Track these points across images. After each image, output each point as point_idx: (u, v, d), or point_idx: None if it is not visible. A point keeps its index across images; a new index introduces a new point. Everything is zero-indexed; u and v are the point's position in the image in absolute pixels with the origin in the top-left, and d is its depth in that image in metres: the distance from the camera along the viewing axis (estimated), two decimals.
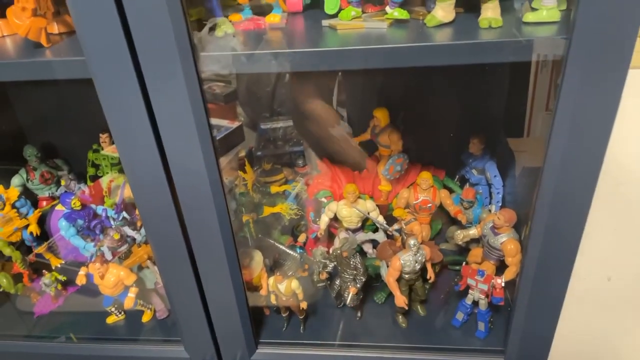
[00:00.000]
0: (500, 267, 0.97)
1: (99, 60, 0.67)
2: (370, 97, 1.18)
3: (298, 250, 1.14)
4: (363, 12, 0.76)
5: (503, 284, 0.90)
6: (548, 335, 0.85)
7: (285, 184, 1.21)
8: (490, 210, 1.07)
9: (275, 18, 0.78)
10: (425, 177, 1.04)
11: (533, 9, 0.68)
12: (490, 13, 0.67)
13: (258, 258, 1.02)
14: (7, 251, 1.08)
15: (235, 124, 1.27)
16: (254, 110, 1.30)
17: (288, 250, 1.13)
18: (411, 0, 0.78)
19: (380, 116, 1.06)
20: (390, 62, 0.65)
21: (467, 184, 1.14)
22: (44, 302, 1.13)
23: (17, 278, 1.16)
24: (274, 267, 1.06)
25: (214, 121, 1.26)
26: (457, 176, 1.18)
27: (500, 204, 1.07)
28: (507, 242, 0.92)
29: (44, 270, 1.11)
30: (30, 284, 1.16)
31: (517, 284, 0.85)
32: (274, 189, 1.19)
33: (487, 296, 0.92)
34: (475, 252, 1.02)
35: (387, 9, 0.74)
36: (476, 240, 1.07)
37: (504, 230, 0.93)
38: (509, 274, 0.91)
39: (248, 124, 1.29)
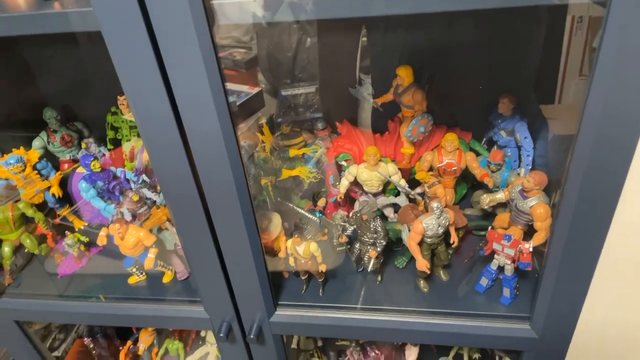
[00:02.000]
0: (528, 232, 0.93)
1: (112, 24, 0.64)
2: (393, 55, 1.13)
3: (317, 214, 1.12)
4: None
5: (531, 249, 0.86)
6: (577, 303, 0.81)
7: (304, 147, 1.18)
8: (519, 174, 1.02)
9: None
10: (450, 139, 0.99)
11: None
12: None
13: (277, 220, 1.00)
14: (30, 212, 1.09)
15: (255, 90, 1.24)
16: (274, 77, 1.26)
17: (307, 214, 1.11)
18: None
19: (404, 74, 1.01)
20: (415, 6, 0.61)
21: (495, 146, 1.08)
22: (67, 263, 1.15)
23: (42, 239, 1.17)
24: (293, 231, 1.04)
25: (234, 87, 1.24)
26: (485, 139, 1.13)
27: (530, 167, 1.02)
28: (536, 205, 0.88)
29: (66, 232, 1.12)
30: (54, 245, 1.17)
31: (547, 249, 0.80)
32: (292, 152, 1.16)
33: (513, 261, 0.88)
34: (502, 217, 0.98)
35: None
36: (503, 205, 1.02)
37: (534, 194, 0.89)
38: (538, 238, 0.87)
39: (269, 91, 1.26)
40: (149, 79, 0.69)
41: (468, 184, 1.15)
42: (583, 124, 0.64)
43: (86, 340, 1.43)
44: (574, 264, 0.77)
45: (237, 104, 1.19)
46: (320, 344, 1.37)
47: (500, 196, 0.96)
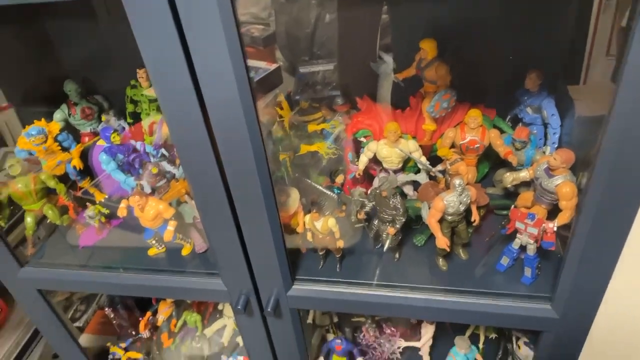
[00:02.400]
0: (552, 212, 0.91)
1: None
2: (416, 29, 1.09)
3: (335, 191, 1.11)
4: None
5: (555, 229, 0.84)
6: (600, 285, 0.80)
7: (323, 123, 1.16)
8: (544, 152, 0.99)
9: None
10: (474, 115, 0.97)
11: None
12: None
13: (295, 195, 1.00)
14: (52, 183, 1.11)
15: (274, 66, 1.22)
16: (292, 54, 1.25)
17: (325, 191, 1.10)
18: None
19: (428, 48, 0.98)
20: None
21: (520, 124, 1.05)
22: (88, 234, 1.17)
23: (63, 211, 1.19)
24: (311, 207, 1.03)
25: (252, 63, 1.22)
26: (509, 116, 1.10)
27: (556, 146, 0.99)
28: (562, 184, 0.85)
29: (87, 203, 1.14)
30: (76, 217, 1.19)
31: (572, 229, 0.78)
32: (311, 127, 1.15)
33: (536, 241, 0.86)
34: (525, 196, 0.96)
35: None
36: (526, 184, 1.00)
37: (560, 172, 0.86)
38: (562, 218, 0.85)
39: (287, 68, 1.24)
40: (170, 51, 0.68)
41: (490, 163, 1.12)
42: (617, 102, 0.62)
43: (107, 310, 1.46)
44: (599, 244, 0.75)
45: (255, 80, 1.18)
46: (335, 320, 1.38)
47: (525, 174, 0.94)
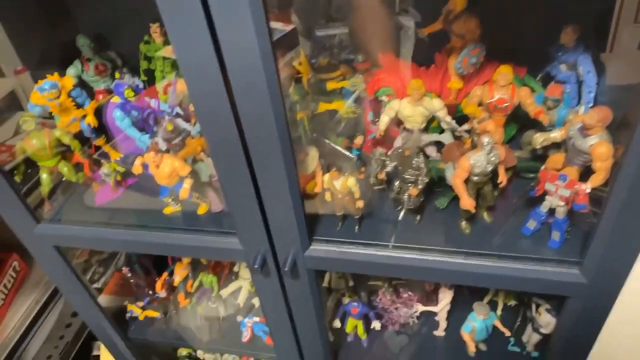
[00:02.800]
0: (584, 174, 0.86)
1: None
2: None
3: (355, 152, 1.08)
4: None
5: (588, 190, 0.79)
6: (633, 249, 0.76)
7: (343, 81, 1.12)
8: (577, 112, 0.94)
9: None
10: (504, 72, 0.91)
11: None
12: None
13: (313, 154, 0.97)
14: (66, 140, 1.09)
15: (290, 27, 1.18)
16: (308, 17, 1.20)
17: (344, 151, 1.07)
18: None
19: None
20: None
21: (552, 82, 1.00)
22: (104, 192, 1.16)
23: (79, 169, 1.18)
24: (329, 167, 1.00)
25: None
26: (540, 75, 1.04)
27: (590, 105, 0.94)
28: (597, 144, 0.81)
29: (102, 160, 1.12)
30: (91, 174, 1.18)
31: (609, 191, 0.74)
32: (330, 85, 1.11)
33: (567, 203, 0.82)
34: (555, 158, 0.91)
35: None
36: (555, 146, 0.95)
37: (595, 132, 0.81)
38: (596, 179, 0.81)
39: (302, 32, 1.20)
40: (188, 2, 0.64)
41: (518, 125, 1.07)
42: None
43: (124, 270, 1.47)
44: (636, 208, 0.71)
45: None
46: (351, 284, 1.37)
47: (556, 135, 0.89)
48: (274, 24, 1.18)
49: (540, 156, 1.00)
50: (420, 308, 1.24)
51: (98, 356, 1.87)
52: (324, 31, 1.17)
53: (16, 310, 1.77)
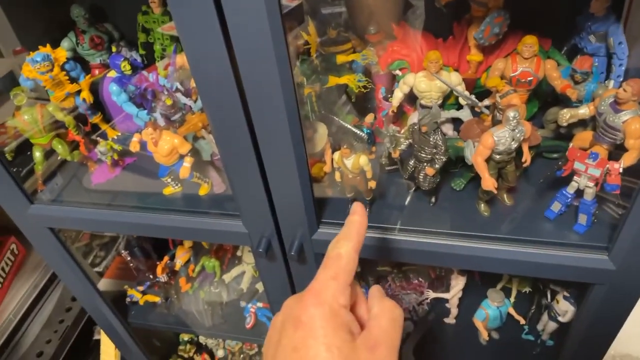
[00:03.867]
0: (614, 154, 0.80)
1: None
2: None
3: (365, 131, 1.01)
4: None
5: (621, 169, 0.73)
6: None
7: (353, 54, 1.05)
8: (607, 87, 0.87)
9: None
10: (529, 42, 0.84)
11: None
12: None
13: (322, 130, 0.91)
14: (60, 116, 1.03)
15: (295, 2, 1.11)
16: None
17: (354, 129, 1.01)
18: None
19: None
20: None
21: (579, 55, 0.93)
22: (101, 171, 1.11)
23: (74, 147, 1.12)
24: (340, 144, 0.94)
25: None
26: (565, 48, 0.97)
27: (621, 79, 0.87)
28: (631, 120, 0.74)
29: (98, 138, 1.06)
30: (87, 154, 1.12)
31: None
32: (340, 58, 1.04)
33: (596, 184, 0.76)
34: (583, 136, 0.85)
35: None
36: (582, 124, 0.89)
37: (630, 107, 0.75)
38: (629, 158, 0.74)
39: (307, 11, 1.12)
40: None
41: (540, 102, 1.01)
42: None
43: (124, 253, 1.43)
44: None
45: None
46: (358, 269, 1.33)
47: (584, 111, 0.82)
48: None
49: (564, 135, 0.93)
50: (432, 295, 1.19)
51: (99, 340, 1.84)
52: (329, 9, 1.10)
53: (15, 293, 1.74)
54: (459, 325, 1.25)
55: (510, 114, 0.74)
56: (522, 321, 1.15)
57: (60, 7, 1.17)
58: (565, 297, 1.06)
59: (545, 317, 1.14)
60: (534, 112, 1.01)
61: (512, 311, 1.14)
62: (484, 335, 1.16)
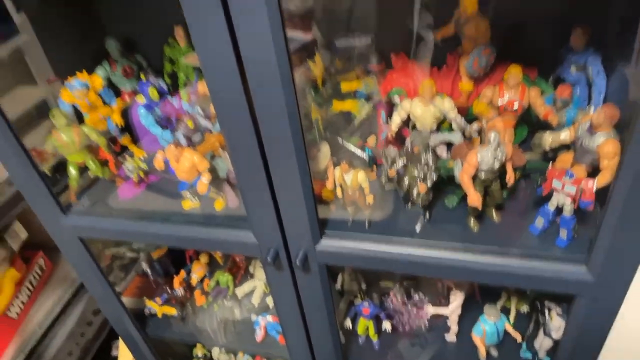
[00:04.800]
0: (592, 174, 0.87)
1: None
2: None
3: (367, 152, 1.11)
4: None
5: (595, 188, 0.80)
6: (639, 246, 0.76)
7: (355, 81, 1.16)
8: (587, 113, 0.94)
9: None
10: (514, 72, 0.93)
11: None
12: None
13: (325, 150, 1.00)
14: (94, 136, 1.15)
15: (309, 36, 1.22)
16: (329, 29, 1.24)
17: (355, 150, 1.10)
18: None
19: (467, 3, 0.95)
20: None
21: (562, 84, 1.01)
22: (127, 187, 1.21)
23: (104, 164, 1.24)
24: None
25: (289, 33, 1.22)
26: (551, 78, 1.06)
27: (600, 107, 0.94)
28: (605, 143, 0.81)
29: (126, 155, 1.18)
30: (117, 172, 1.24)
31: (612, 186, 0.75)
32: (345, 86, 1.14)
33: (573, 201, 0.83)
34: (564, 158, 0.92)
35: None
36: (566, 148, 0.96)
37: (603, 129, 0.82)
38: (603, 178, 0.81)
39: (324, 45, 1.24)
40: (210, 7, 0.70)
41: (529, 127, 1.08)
42: None
43: (144, 265, 1.52)
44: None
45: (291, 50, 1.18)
46: (364, 286, 1.39)
47: (565, 136, 0.90)
48: (295, 32, 1.23)
49: (552, 159, 1.00)
50: (431, 310, 1.25)
51: (117, 357, 1.91)
52: (344, 42, 1.21)
53: (40, 306, 1.84)
54: (460, 343, 1.29)
55: (492, 135, 0.82)
56: (519, 338, 1.19)
57: (93, 40, 1.31)
58: (558, 314, 1.10)
59: (541, 334, 1.17)
60: (524, 135, 1.08)
61: (508, 327, 1.18)
62: (482, 352, 1.20)
